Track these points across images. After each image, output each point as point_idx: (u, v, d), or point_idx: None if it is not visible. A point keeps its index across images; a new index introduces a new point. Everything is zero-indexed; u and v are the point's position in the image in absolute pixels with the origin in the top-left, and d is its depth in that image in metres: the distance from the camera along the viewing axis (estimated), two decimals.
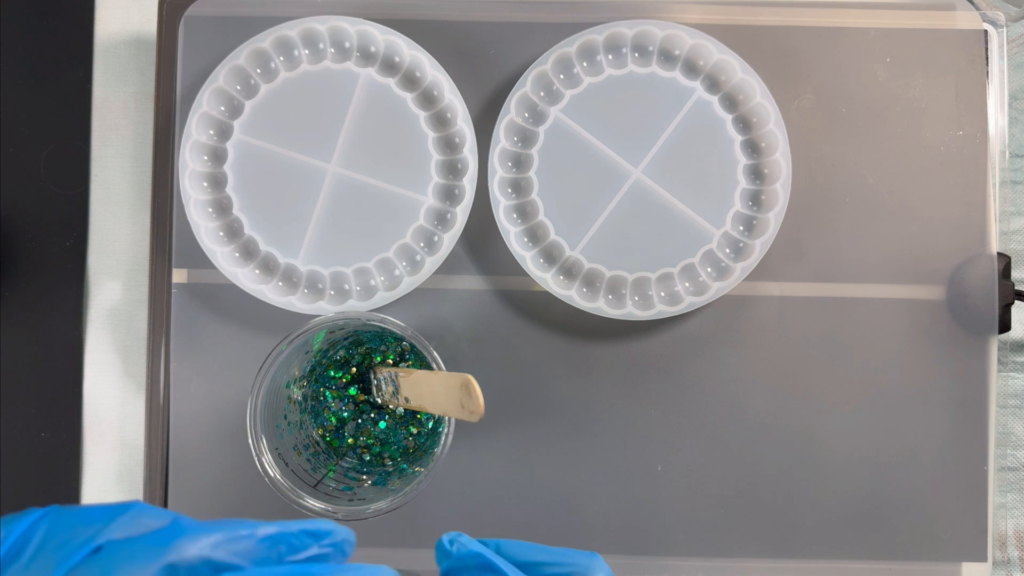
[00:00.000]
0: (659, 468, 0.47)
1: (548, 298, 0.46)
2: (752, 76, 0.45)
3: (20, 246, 0.50)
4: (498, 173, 0.46)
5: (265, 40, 0.46)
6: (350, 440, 0.46)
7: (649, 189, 0.46)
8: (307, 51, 0.46)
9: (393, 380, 0.43)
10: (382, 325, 0.42)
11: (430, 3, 0.48)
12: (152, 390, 0.47)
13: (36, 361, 0.49)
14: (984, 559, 0.47)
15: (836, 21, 0.48)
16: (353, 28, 0.46)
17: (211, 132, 0.46)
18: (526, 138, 0.47)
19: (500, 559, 0.32)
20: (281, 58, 0.46)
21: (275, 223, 0.46)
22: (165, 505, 0.47)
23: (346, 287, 0.46)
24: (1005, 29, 0.48)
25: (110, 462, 0.49)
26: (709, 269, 0.46)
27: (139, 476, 0.48)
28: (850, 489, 0.47)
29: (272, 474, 0.41)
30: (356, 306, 0.46)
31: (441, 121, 0.46)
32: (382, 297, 0.45)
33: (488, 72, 0.48)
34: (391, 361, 0.46)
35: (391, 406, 0.46)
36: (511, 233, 0.46)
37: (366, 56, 0.46)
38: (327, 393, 0.46)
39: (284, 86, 0.46)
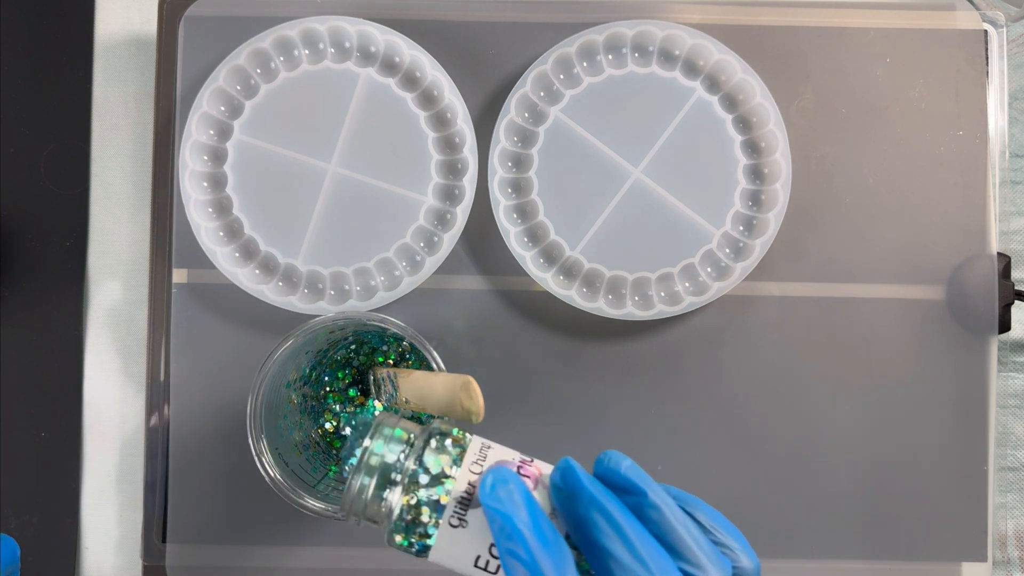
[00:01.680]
0: (659, 468, 0.47)
1: (548, 298, 0.46)
2: (752, 76, 0.45)
3: (20, 246, 0.50)
4: (498, 173, 0.46)
5: (265, 40, 0.46)
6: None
7: (649, 189, 0.46)
8: (307, 51, 0.46)
9: (393, 381, 0.43)
10: (382, 325, 0.42)
11: (430, 3, 0.48)
12: (152, 390, 0.47)
13: (36, 361, 0.49)
14: (984, 559, 0.47)
15: (836, 21, 0.48)
16: (353, 28, 0.46)
17: (211, 132, 0.46)
18: (526, 138, 0.47)
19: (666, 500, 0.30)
20: (281, 58, 0.46)
21: (275, 223, 0.46)
22: (165, 504, 0.47)
23: (346, 287, 0.46)
24: (1005, 29, 0.48)
25: (110, 462, 0.49)
26: (709, 269, 0.46)
27: (139, 476, 0.48)
28: (850, 489, 0.47)
29: (272, 474, 0.41)
30: (356, 306, 0.45)
31: (441, 121, 0.46)
32: (382, 297, 0.45)
33: (488, 72, 0.48)
34: (391, 361, 0.46)
35: (391, 407, 0.46)
36: (511, 233, 0.46)
37: (366, 56, 0.46)
38: (327, 394, 0.46)
39: (284, 86, 0.46)
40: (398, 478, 0.32)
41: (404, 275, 0.46)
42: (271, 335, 0.47)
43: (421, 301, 0.47)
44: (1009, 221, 0.49)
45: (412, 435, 0.34)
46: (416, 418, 0.46)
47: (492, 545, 0.31)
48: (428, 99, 0.46)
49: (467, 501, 0.31)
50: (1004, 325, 0.47)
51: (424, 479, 0.32)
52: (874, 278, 0.47)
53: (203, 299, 0.47)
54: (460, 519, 0.31)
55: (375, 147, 0.46)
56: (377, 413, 0.34)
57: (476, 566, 0.31)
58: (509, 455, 0.33)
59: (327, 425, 0.46)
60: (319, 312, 0.45)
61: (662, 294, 0.46)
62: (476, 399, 0.38)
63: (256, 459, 0.41)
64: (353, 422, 0.43)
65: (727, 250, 0.46)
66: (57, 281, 0.49)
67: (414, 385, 0.41)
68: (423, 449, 0.32)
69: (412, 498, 0.32)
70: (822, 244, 0.47)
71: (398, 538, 0.32)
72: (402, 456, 0.33)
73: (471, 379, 0.38)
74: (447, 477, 0.32)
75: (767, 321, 0.47)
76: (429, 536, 0.31)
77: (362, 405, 0.46)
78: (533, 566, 0.28)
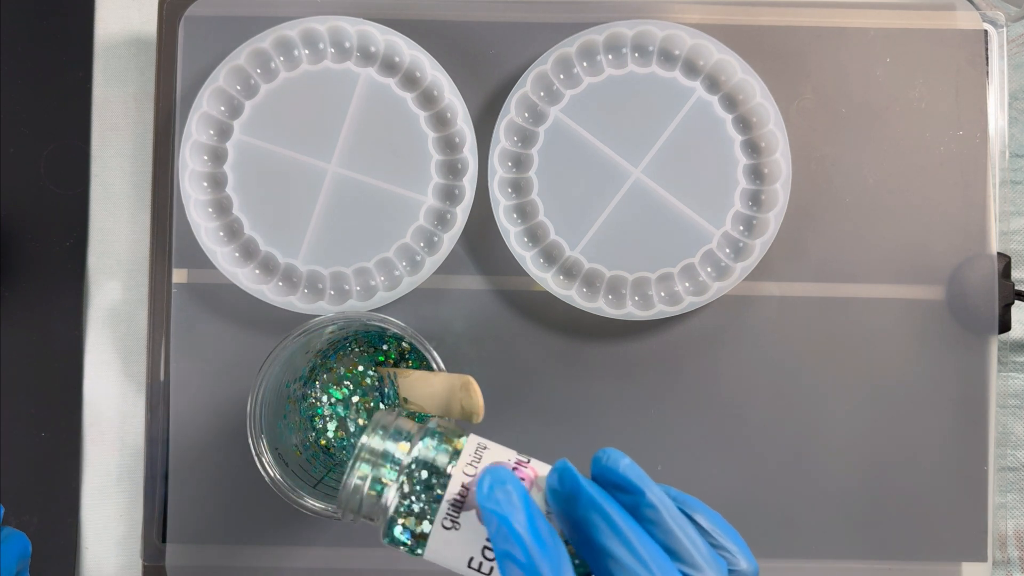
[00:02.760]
0: (659, 468, 0.47)
1: (548, 298, 0.46)
2: (752, 76, 0.45)
3: (20, 246, 0.50)
4: (498, 173, 0.46)
5: (265, 40, 0.46)
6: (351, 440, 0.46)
7: (649, 189, 0.46)
8: (307, 51, 0.46)
9: (393, 381, 0.43)
10: (382, 325, 0.42)
11: (430, 3, 0.48)
12: (152, 390, 0.47)
13: (36, 361, 0.49)
14: (984, 559, 0.47)
15: (836, 21, 0.48)
16: (353, 28, 0.46)
17: (211, 132, 0.46)
18: (526, 138, 0.47)
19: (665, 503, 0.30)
20: (281, 58, 0.46)
21: (275, 223, 0.46)
22: (165, 504, 0.47)
23: (346, 287, 0.46)
24: (1005, 29, 0.48)
25: (110, 462, 0.49)
26: (709, 269, 0.46)
27: (139, 476, 0.48)
28: (850, 489, 0.47)
29: (272, 474, 0.41)
30: (356, 306, 0.46)
31: (441, 121, 0.46)
32: (382, 297, 0.45)
33: (488, 72, 0.48)
34: (391, 361, 0.46)
35: (391, 406, 0.46)
36: (511, 233, 0.46)
37: (366, 56, 0.46)
38: (327, 393, 0.46)
39: (284, 86, 0.46)
40: (394, 476, 0.32)
41: (404, 275, 0.46)
42: (271, 335, 0.47)
43: (421, 301, 0.47)
44: (1009, 221, 0.49)
45: (409, 433, 0.33)
46: (415, 417, 0.46)
47: (485, 547, 0.31)
48: (428, 99, 0.46)
49: (459, 504, 0.31)
50: (1004, 325, 0.47)
51: (419, 477, 0.32)
52: (874, 278, 0.47)
53: (203, 299, 0.47)
54: (453, 521, 0.31)
55: (375, 147, 0.46)
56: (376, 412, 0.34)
57: (470, 567, 0.31)
58: (505, 456, 0.33)
59: (327, 425, 0.46)
60: (319, 312, 0.45)
61: (662, 294, 0.46)
62: (476, 399, 0.38)
63: (256, 459, 0.41)
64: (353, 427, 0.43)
65: (727, 250, 0.46)
66: (57, 281, 0.49)
67: (414, 385, 0.41)
68: (420, 448, 0.32)
69: (407, 497, 0.32)
70: (822, 244, 0.47)
71: (392, 536, 0.32)
72: (398, 454, 0.33)
73: (471, 379, 0.38)
74: (443, 476, 0.32)
75: (767, 321, 0.47)
76: (423, 536, 0.31)
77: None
78: (531, 568, 0.28)
